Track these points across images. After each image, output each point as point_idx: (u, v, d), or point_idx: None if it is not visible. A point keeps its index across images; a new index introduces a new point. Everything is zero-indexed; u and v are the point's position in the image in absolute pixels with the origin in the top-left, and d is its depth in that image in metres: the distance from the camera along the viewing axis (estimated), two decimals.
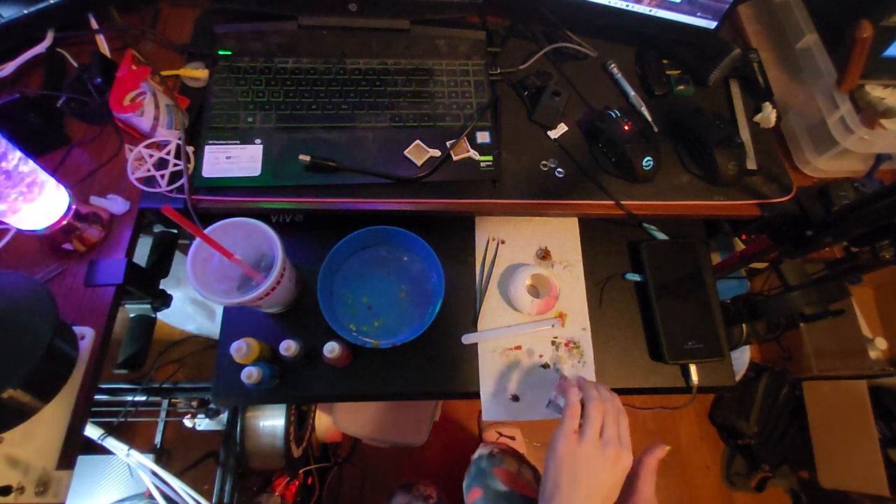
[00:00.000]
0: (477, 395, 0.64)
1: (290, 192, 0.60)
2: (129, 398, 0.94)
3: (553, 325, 0.68)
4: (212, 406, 0.97)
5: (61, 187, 0.50)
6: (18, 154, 0.44)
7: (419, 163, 0.62)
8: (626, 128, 0.64)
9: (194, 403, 0.96)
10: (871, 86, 0.64)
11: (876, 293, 1.55)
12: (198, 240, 0.50)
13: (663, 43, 0.75)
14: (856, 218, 0.57)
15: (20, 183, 0.44)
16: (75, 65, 0.63)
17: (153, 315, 0.62)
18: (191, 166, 0.58)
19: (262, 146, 0.61)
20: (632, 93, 0.71)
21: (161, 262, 0.64)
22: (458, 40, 0.71)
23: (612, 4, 0.68)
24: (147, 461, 0.83)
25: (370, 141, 0.63)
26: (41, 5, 0.58)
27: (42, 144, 0.59)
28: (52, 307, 0.41)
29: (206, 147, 0.60)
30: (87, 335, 0.49)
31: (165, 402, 0.98)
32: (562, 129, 0.69)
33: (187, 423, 0.97)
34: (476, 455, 0.83)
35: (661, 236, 0.74)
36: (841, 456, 1.34)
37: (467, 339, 0.66)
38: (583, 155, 0.68)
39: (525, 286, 0.65)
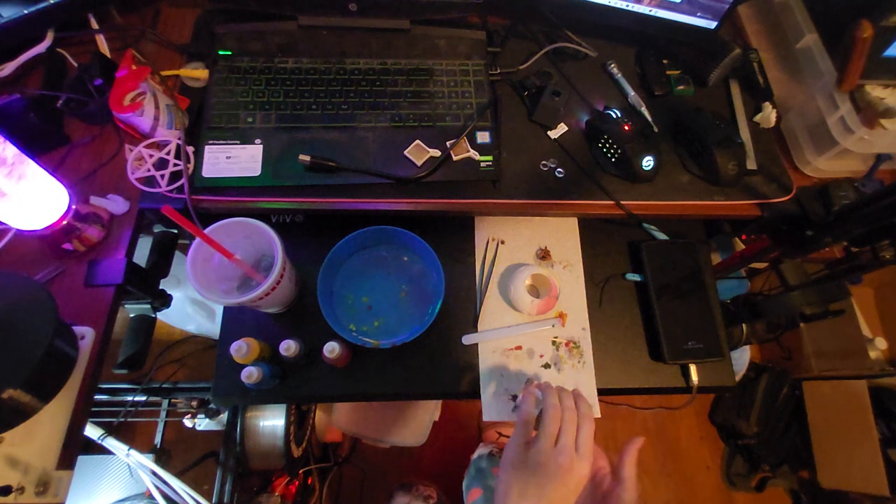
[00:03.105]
0: (477, 396, 0.64)
1: (290, 192, 0.60)
2: (129, 398, 0.94)
3: (553, 325, 0.68)
4: (212, 406, 0.97)
5: (61, 187, 0.50)
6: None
7: (419, 163, 0.62)
8: (626, 128, 0.64)
9: (194, 403, 0.96)
10: (871, 86, 0.63)
11: (876, 293, 1.55)
12: (198, 240, 0.50)
13: (663, 43, 0.75)
14: (856, 218, 0.57)
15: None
16: (75, 65, 0.63)
17: (153, 315, 0.62)
18: (191, 166, 0.58)
19: (262, 146, 0.61)
20: (632, 93, 0.71)
21: (161, 262, 0.64)
22: (458, 40, 0.71)
23: (612, 4, 0.68)
24: (147, 461, 0.83)
25: (370, 141, 0.63)
26: (41, 5, 0.58)
27: (42, 144, 0.59)
28: (52, 307, 0.41)
29: (206, 147, 0.60)
30: (87, 335, 0.49)
31: (165, 402, 0.98)
32: (562, 129, 0.69)
33: (187, 423, 0.97)
34: (476, 455, 0.83)
35: (661, 236, 0.74)
36: (841, 456, 1.34)
37: (468, 339, 0.66)
38: (583, 155, 0.68)
39: (525, 286, 0.65)
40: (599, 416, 0.63)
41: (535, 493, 0.44)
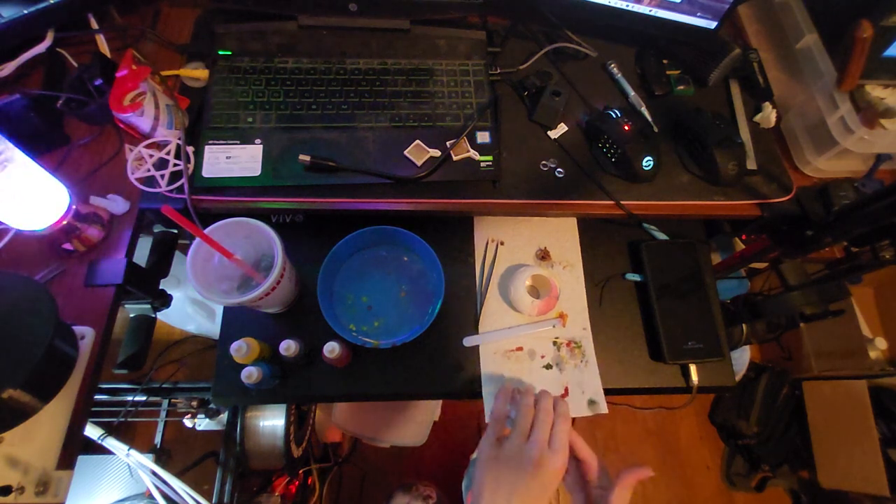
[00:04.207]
0: (477, 396, 0.64)
1: (290, 192, 0.60)
2: (129, 398, 0.94)
3: (554, 326, 0.68)
4: (212, 406, 0.97)
5: (61, 187, 0.50)
6: None
7: (419, 163, 0.62)
8: (626, 128, 0.64)
9: (194, 403, 0.96)
10: (871, 86, 0.63)
11: (876, 293, 1.55)
12: (198, 240, 0.50)
13: (663, 43, 0.75)
14: (856, 218, 0.57)
15: None
16: (75, 65, 0.63)
17: (153, 315, 0.62)
18: (191, 166, 0.58)
19: (262, 146, 0.61)
20: (632, 93, 0.71)
21: (161, 262, 0.64)
22: (458, 40, 0.71)
23: (612, 4, 0.68)
24: (147, 461, 0.83)
25: (370, 141, 0.63)
26: (41, 5, 0.58)
27: (42, 144, 0.59)
28: (52, 307, 0.41)
29: (206, 147, 0.60)
30: (87, 335, 0.49)
31: (165, 402, 0.98)
32: (562, 129, 0.69)
33: (187, 423, 0.97)
34: (475, 455, 0.83)
35: (661, 236, 0.74)
36: (841, 456, 1.34)
37: (469, 341, 0.66)
38: (583, 155, 0.68)
39: (525, 287, 0.65)
40: (607, 411, 0.64)
41: (507, 486, 0.44)
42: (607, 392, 0.66)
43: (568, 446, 0.47)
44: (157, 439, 0.96)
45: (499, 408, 0.51)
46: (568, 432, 0.48)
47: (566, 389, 0.65)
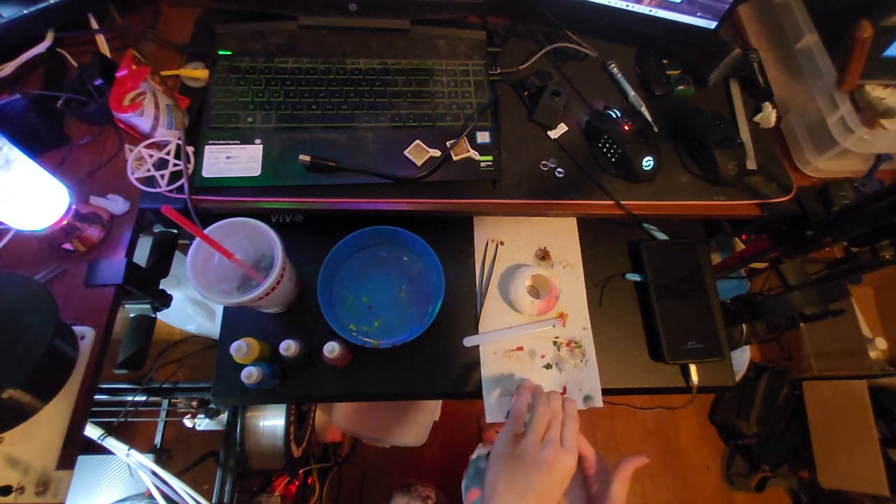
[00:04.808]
0: (478, 396, 0.64)
1: (290, 192, 0.60)
2: (129, 398, 0.94)
3: (554, 326, 0.68)
4: (212, 406, 0.97)
5: (61, 187, 0.50)
6: None
7: (419, 163, 0.62)
8: (626, 128, 0.64)
9: (194, 403, 0.96)
10: (871, 86, 0.63)
11: (876, 293, 1.55)
12: (198, 240, 0.50)
13: (663, 43, 0.75)
14: (856, 218, 0.57)
15: None
16: (75, 65, 0.63)
17: (153, 315, 0.62)
18: (191, 166, 0.58)
19: (262, 146, 0.61)
20: (632, 93, 0.71)
21: (161, 262, 0.64)
22: (458, 40, 0.71)
23: (612, 4, 0.68)
24: (147, 461, 0.83)
25: (370, 141, 0.63)
26: (41, 5, 0.58)
27: (42, 144, 0.59)
28: (52, 307, 0.41)
29: (206, 147, 0.60)
30: (87, 335, 0.49)
31: (165, 402, 0.98)
32: (562, 129, 0.69)
33: (187, 423, 0.97)
34: (475, 455, 0.83)
35: (661, 236, 0.74)
36: (841, 456, 1.34)
37: (469, 341, 0.66)
38: (583, 155, 0.68)
39: (525, 287, 0.65)
40: (601, 405, 0.64)
41: (522, 483, 0.45)
42: (608, 392, 0.66)
43: (577, 446, 0.48)
44: (157, 439, 0.96)
45: (521, 405, 0.51)
46: (577, 432, 0.48)
47: (564, 388, 0.65)
